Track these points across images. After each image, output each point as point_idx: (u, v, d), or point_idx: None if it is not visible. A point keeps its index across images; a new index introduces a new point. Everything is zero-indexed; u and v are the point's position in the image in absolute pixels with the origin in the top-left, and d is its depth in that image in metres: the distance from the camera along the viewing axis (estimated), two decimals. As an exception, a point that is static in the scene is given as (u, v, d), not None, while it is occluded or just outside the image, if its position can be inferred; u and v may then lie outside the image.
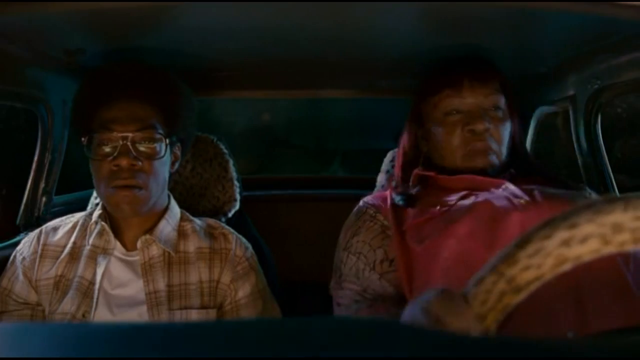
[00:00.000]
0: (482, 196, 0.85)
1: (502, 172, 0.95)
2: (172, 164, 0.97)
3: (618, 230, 0.38)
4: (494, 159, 0.93)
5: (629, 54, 0.95)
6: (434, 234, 0.82)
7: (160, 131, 0.91)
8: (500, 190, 0.85)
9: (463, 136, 0.93)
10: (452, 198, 0.87)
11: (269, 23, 0.87)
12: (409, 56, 1.10)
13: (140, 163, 0.87)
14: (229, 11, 0.81)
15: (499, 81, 0.97)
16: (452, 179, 0.93)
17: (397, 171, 1.04)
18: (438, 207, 0.86)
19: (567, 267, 0.38)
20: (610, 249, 0.38)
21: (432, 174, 0.96)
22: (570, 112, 1.22)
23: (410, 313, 0.47)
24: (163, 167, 0.93)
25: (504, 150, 0.95)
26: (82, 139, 0.90)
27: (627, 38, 0.88)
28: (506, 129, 0.96)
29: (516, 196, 0.82)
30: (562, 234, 0.38)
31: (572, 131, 1.25)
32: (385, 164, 1.27)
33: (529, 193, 0.83)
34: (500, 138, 0.94)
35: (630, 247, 0.38)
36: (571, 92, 1.19)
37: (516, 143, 1.00)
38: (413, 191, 0.95)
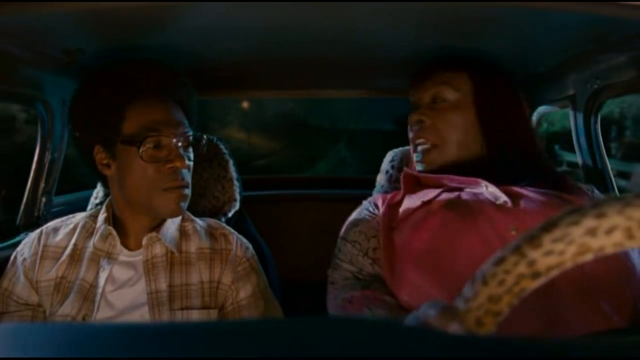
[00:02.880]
0: (463, 195, 0.88)
1: (480, 167, 0.94)
2: None
3: None
4: (432, 152, 0.97)
5: (629, 54, 0.95)
6: (412, 227, 0.86)
7: (193, 132, 0.95)
8: (483, 189, 0.88)
9: (412, 129, 1.02)
10: (432, 195, 0.91)
11: (270, 23, 0.87)
12: (410, 56, 1.10)
13: (190, 163, 0.92)
14: (229, 11, 0.81)
15: (448, 73, 1.00)
16: (429, 178, 0.97)
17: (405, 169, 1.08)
18: (419, 203, 0.90)
19: (588, 257, 0.38)
20: (633, 244, 0.38)
21: (414, 173, 1.01)
22: (570, 112, 1.22)
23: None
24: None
25: (450, 140, 0.96)
26: (133, 142, 0.87)
27: (627, 38, 0.88)
28: (454, 119, 0.97)
29: (496, 197, 0.85)
30: (589, 222, 0.37)
31: (571, 131, 1.25)
32: (385, 164, 1.27)
33: (514, 195, 0.85)
34: (439, 129, 0.97)
35: None
36: (571, 92, 1.19)
37: (498, 136, 0.97)
38: (402, 190, 1.00)
